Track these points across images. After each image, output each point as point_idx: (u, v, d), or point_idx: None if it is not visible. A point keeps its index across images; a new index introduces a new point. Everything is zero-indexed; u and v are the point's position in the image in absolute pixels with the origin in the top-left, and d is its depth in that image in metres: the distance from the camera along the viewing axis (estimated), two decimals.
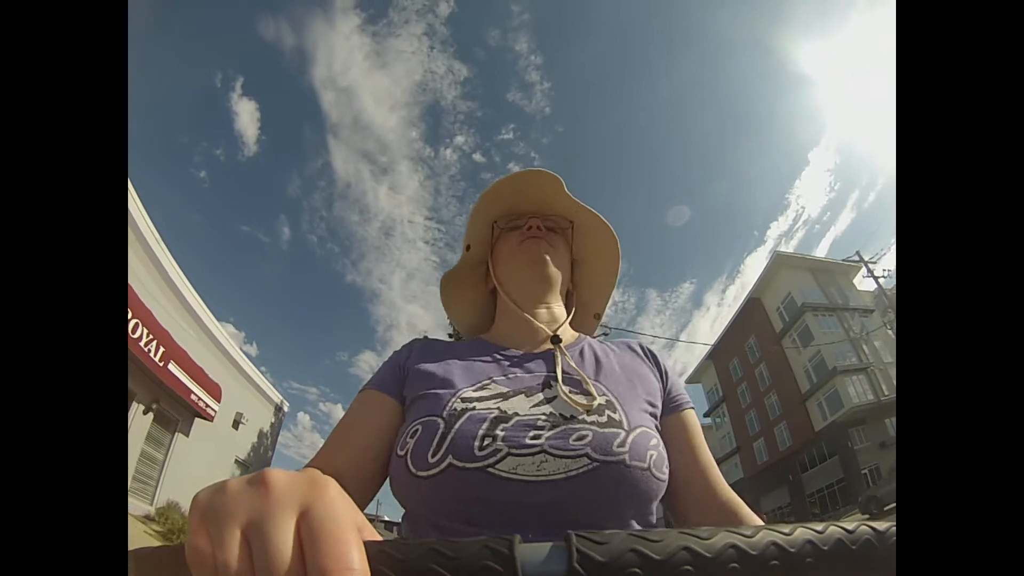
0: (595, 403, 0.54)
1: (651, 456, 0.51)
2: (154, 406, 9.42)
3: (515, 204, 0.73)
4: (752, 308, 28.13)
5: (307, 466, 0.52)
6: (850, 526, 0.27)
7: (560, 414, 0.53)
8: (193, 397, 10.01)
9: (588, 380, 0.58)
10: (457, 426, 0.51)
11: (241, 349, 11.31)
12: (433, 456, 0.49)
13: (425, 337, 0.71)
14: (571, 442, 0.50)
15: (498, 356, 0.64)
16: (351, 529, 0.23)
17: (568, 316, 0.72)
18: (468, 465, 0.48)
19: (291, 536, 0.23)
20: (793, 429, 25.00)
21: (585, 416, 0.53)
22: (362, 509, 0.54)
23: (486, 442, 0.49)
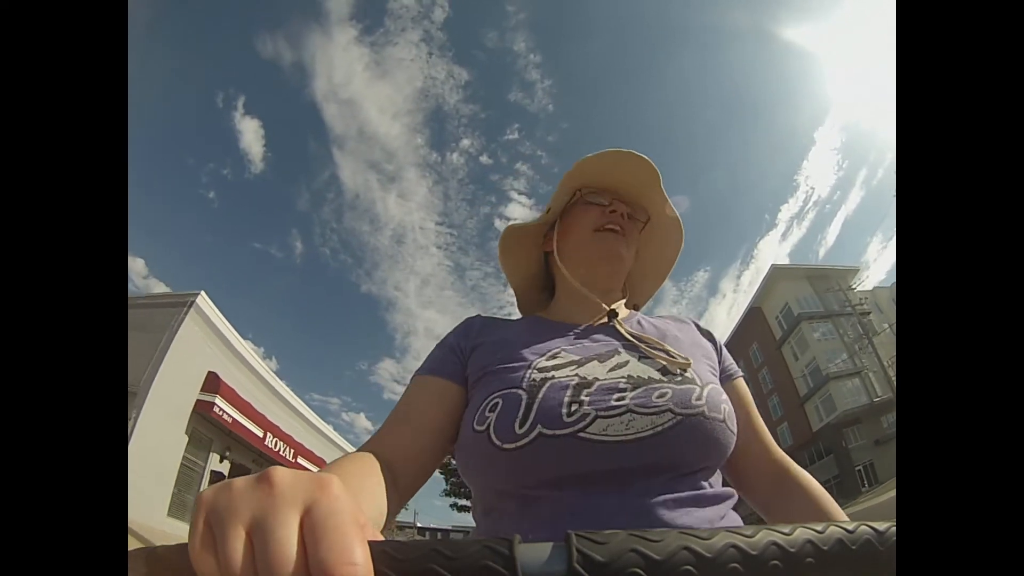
0: (678, 360, 0.56)
1: (725, 409, 0.54)
2: None
3: (605, 178, 0.71)
4: (754, 317, 29.83)
5: (361, 449, 0.52)
6: (850, 526, 0.27)
7: (639, 376, 0.54)
8: None
9: (661, 343, 0.60)
10: (541, 395, 0.51)
11: (263, 363, 13.23)
12: (520, 427, 0.49)
13: (480, 316, 0.70)
14: (654, 399, 0.51)
15: (559, 330, 0.64)
16: (354, 525, 0.23)
17: (623, 298, 0.73)
18: (558, 432, 0.48)
19: (295, 532, 0.23)
20: (793, 429, 26.70)
21: (662, 376, 0.55)
22: (415, 491, 0.55)
23: (573, 408, 0.50)
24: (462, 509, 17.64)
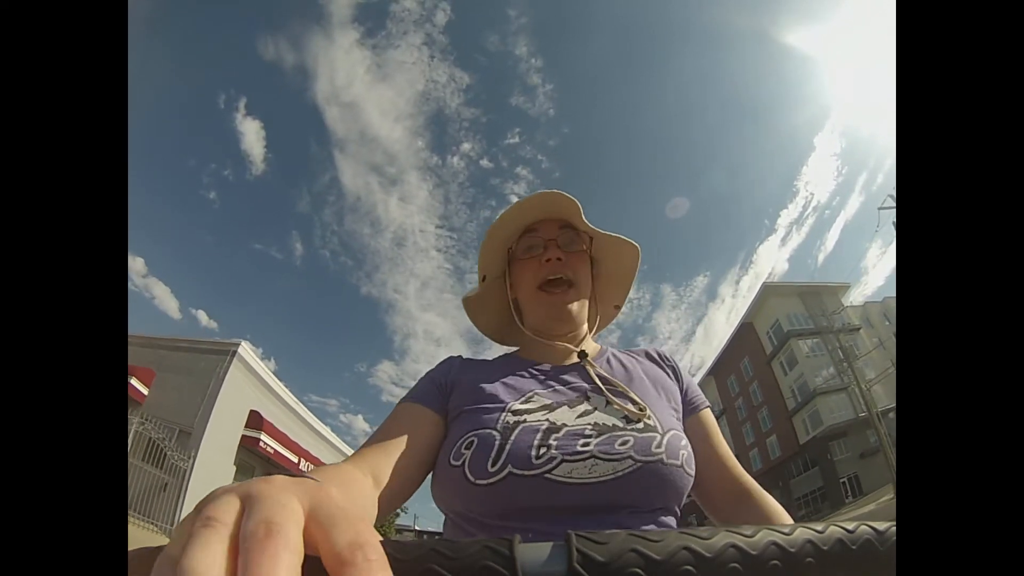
0: (646, 412, 0.60)
1: (683, 455, 0.58)
2: None
3: (532, 214, 0.71)
4: (745, 332, 30.96)
5: (343, 463, 0.53)
6: (850, 526, 0.27)
7: (603, 423, 0.58)
8: None
9: (627, 390, 0.64)
10: (513, 437, 0.55)
11: (294, 398, 14.58)
12: (493, 466, 0.53)
13: (460, 357, 0.74)
14: (616, 446, 0.55)
15: (534, 371, 0.68)
16: (362, 517, 0.23)
17: (592, 328, 0.77)
18: (527, 473, 0.53)
19: (290, 538, 0.22)
20: (782, 441, 27.92)
21: (627, 423, 0.58)
22: (390, 512, 0.57)
23: (542, 451, 0.54)
24: None
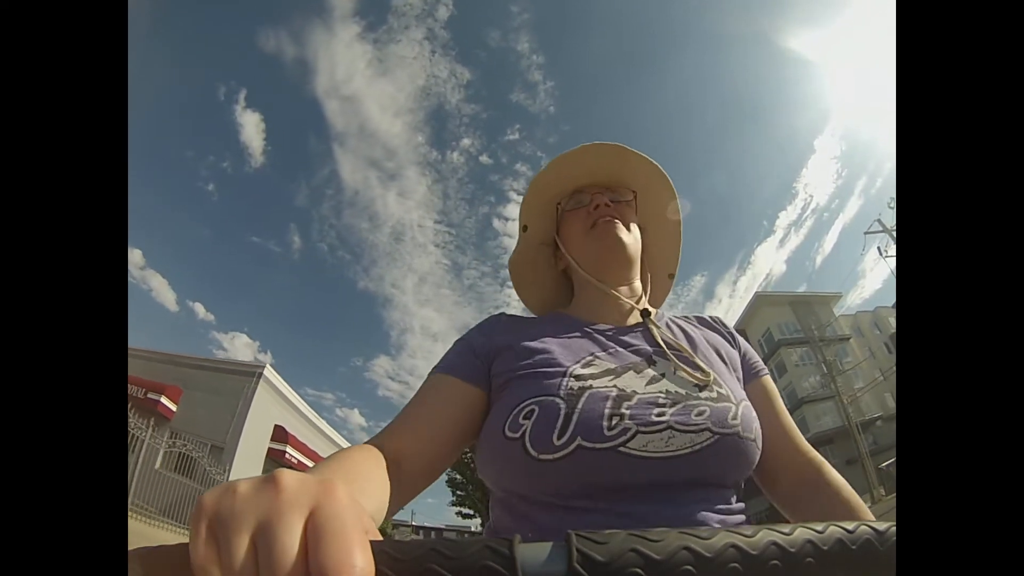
0: (711, 377, 0.56)
1: (755, 428, 0.54)
2: None
3: (576, 179, 0.70)
4: None
5: (369, 442, 0.51)
6: (850, 526, 0.27)
7: (676, 391, 0.54)
8: None
9: (693, 355, 0.59)
10: (580, 406, 0.50)
11: (313, 412, 16.07)
12: (559, 438, 0.48)
13: (505, 313, 0.69)
14: (693, 417, 0.51)
15: (589, 331, 0.62)
16: (356, 529, 0.23)
17: (647, 288, 0.72)
18: (599, 446, 0.48)
19: (298, 538, 0.22)
20: None
21: (698, 391, 0.54)
22: (420, 491, 0.54)
23: (614, 421, 0.49)
24: (466, 517, 18.53)
